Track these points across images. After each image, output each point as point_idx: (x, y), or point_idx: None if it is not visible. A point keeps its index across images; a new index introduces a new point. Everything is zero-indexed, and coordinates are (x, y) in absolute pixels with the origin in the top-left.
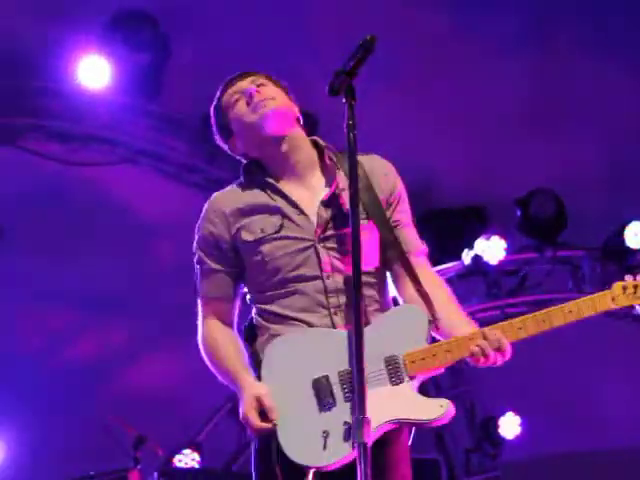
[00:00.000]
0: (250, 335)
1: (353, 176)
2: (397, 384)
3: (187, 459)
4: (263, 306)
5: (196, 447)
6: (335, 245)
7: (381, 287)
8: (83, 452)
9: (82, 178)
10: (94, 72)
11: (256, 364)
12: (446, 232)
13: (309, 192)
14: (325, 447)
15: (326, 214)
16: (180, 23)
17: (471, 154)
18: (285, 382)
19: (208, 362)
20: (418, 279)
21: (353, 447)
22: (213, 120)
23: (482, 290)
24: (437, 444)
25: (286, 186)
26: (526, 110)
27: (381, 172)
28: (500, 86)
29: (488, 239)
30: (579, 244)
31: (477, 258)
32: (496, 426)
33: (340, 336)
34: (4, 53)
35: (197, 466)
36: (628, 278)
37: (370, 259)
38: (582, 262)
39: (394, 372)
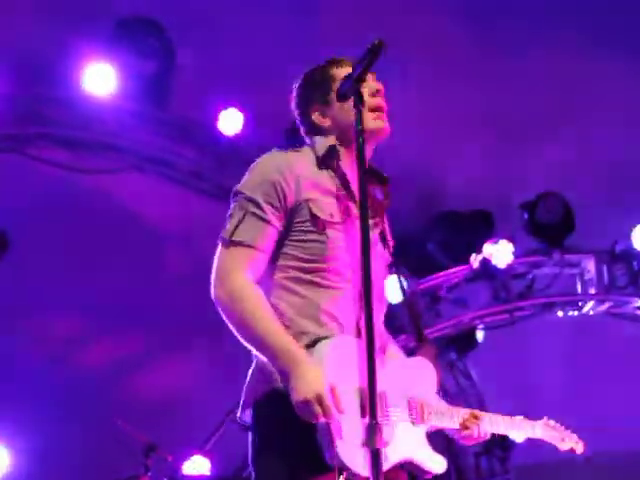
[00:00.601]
0: None
1: (362, 181)
2: (415, 424)
3: (197, 466)
4: (297, 287)
5: (206, 454)
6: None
7: None
8: (92, 459)
9: (90, 185)
10: (100, 79)
11: None
12: (454, 236)
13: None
14: (365, 458)
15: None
16: (185, 29)
17: (478, 157)
18: (339, 383)
19: (239, 321)
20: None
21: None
22: (312, 80)
23: (490, 293)
24: (446, 448)
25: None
26: (532, 112)
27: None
28: (509, 89)
29: (496, 243)
30: (586, 247)
31: (485, 262)
32: None
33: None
34: (10, 62)
35: (207, 473)
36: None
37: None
38: (590, 265)
39: (414, 413)
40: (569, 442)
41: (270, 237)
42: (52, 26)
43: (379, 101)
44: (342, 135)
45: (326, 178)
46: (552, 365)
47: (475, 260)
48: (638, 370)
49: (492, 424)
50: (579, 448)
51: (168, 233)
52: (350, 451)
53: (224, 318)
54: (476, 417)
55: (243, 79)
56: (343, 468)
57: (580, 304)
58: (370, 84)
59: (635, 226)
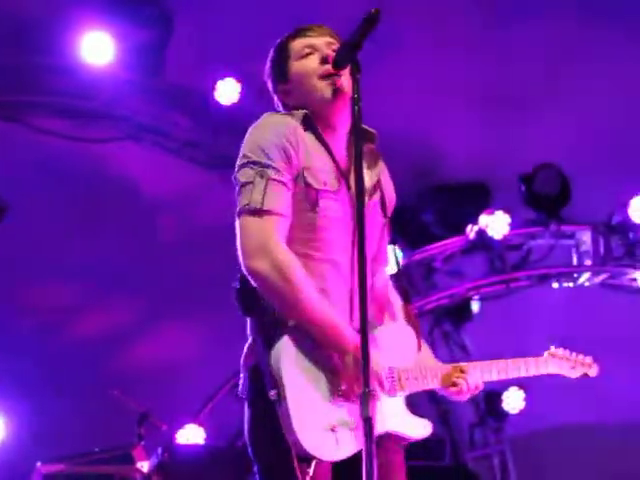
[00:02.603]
0: (254, 302)
1: (358, 150)
2: (392, 396)
3: (191, 435)
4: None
5: (201, 423)
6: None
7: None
8: (86, 428)
9: (86, 154)
10: (98, 48)
11: (268, 345)
12: (450, 207)
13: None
14: (337, 442)
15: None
16: None
17: (476, 127)
18: (306, 367)
19: (286, 295)
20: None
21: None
22: (272, 57)
23: (486, 265)
24: (441, 421)
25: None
26: (531, 82)
27: (388, 178)
28: (508, 57)
29: (492, 214)
30: (583, 219)
31: (481, 233)
32: (500, 401)
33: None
34: (7, 29)
35: (201, 442)
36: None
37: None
38: (586, 236)
39: (391, 383)
40: (580, 368)
41: (289, 204)
42: None
43: (329, 68)
44: (309, 108)
45: (316, 145)
46: (547, 337)
47: (471, 231)
48: (634, 341)
49: (483, 373)
50: (592, 371)
51: (163, 201)
52: (314, 438)
53: (261, 289)
54: (462, 370)
55: (241, 49)
56: (306, 455)
57: (575, 276)
58: (322, 50)
59: (632, 198)
